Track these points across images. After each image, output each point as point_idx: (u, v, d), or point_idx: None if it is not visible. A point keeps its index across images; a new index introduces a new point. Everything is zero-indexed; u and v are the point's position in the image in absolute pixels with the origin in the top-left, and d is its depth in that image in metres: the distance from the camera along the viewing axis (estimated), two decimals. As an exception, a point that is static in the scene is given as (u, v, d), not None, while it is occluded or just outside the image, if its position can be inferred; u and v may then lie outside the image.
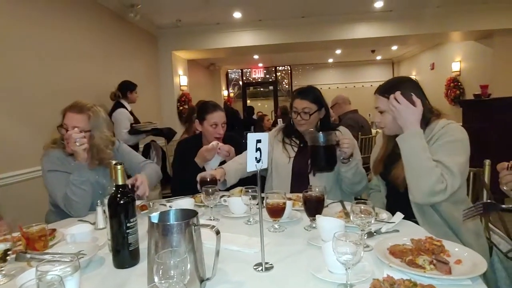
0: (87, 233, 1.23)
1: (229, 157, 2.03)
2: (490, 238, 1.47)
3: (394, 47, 8.59)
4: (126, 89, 3.99)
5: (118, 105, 3.91)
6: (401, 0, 5.19)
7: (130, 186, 1.61)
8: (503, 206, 0.86)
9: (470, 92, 6.11)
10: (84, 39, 3.91)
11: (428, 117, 1.47)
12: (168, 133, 4.37)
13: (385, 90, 1.53)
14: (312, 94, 1.92)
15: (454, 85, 6.87)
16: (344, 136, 1.75)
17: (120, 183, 1.04)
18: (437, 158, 1.35)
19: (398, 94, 1.41)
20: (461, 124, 4.60)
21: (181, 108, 6.27)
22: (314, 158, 1.70)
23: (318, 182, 1.84)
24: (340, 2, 5.13)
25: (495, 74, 5.84)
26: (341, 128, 1.99)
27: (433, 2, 5.26)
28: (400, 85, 1.49)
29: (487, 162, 1.55)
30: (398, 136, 1.43)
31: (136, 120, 4.03)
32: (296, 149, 2.00)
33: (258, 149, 0.96)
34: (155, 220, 0.89)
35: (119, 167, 1.04)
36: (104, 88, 4.24)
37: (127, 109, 3.94)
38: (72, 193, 1.60)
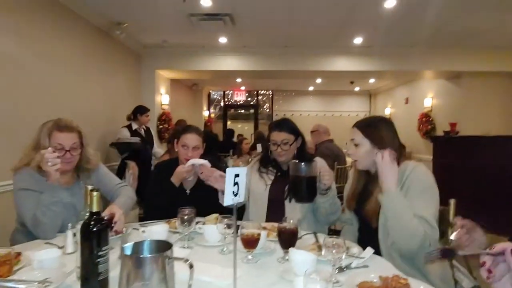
0: (54, 259, 1.20)
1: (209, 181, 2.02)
2: (454, 275, 1.53)
3: (372, 80, 8.98)
4: (137, 112, 4.73)
5: (127, 125, 4.68)
6: (379, 38, 5.49)
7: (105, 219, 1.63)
8: (459, 253, 0.92)
9: (441, 128, 6.45)
10: (67, 54, 3.89)
11: (398, 157, 1.54)
12: (128, 148, 4.44)
13: (363, 126, 1.62)
14: (288, 125, 1.99)
15: (426, 120, 7.21)
16: (325, 168, 1.80)
17: (94, 210, 1.03)
18: (416, 212, 1.41)
19: (387, 152, 1.47)
20: (432, 158, 4.84)
21: (161, 126, 6.24)
22: (295, 188, 1.68)
23: (293, 209, 1.88)
24: (322, 35, 5.37)
25: (463, 112, 6.21)
26: (318, 159, 2.04)
27: (408, 42, 5.61)
28: (378, 124, 1.60)
29: (452, 201, 1.63)
30: (382, 195, 1.46)
31: (140, 138, 4.61)
32: (272, 177, 2.03)
33: (235, 183, 0.99)
34: (128, 251, 0.88)
35: (94, 193, 1.03)
36: (85, 103, 4.20)
37: (131, 128, 4.62)
38: (42, 214, 1.55)
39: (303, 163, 1.60)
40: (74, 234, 1.37)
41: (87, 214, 1.05)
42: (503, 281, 0.76)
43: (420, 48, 5.80)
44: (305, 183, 1.60)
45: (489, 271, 0.76)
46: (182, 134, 2.12)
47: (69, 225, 1.39)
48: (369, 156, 1.57)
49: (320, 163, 1.98)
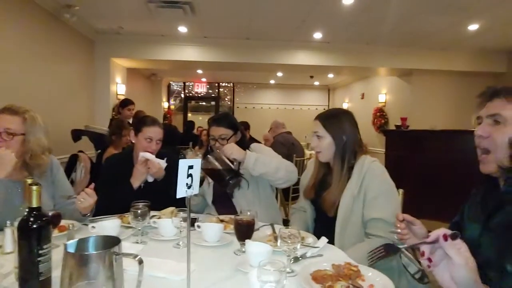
0: (-11, 259, 1.09)
1: (158, 176, 1.99)
2: (401, 260, 1.62)
3: (330, 75, 9.23)
4: (120, 105, 4.77)
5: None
6: (338, 34, 5.65)
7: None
8: (401, 246, 0.98)
9: (394, 122, 6.80)
10: (10, 38, 3.56)
11: (357, 150, 1.61)
12: (77, 136, 4.26)
13: (324, 118, 1.66)
14: (226, 120, 2.01)
15: (380, 115, 7.58)
16: (224, 148, 1.83)
17: (34, 205, 0.95)
18: (379, 216, 1.47)
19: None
20: (384, 151, 5.10)
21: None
22: (215, 179, 1.79)
23: (239, 200, 1.93)
24: (283, 29, 5.41)
25: (413, 107, 6.61)
26: (252, 145, 2.07)
27: (364, 39, 5.82)
28: (339, 116, 1.65)
29: (401, 191, 1.73)
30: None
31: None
32: None
33: (189, 175, 0.96)
34: (71, 248, 0.82)
35: (34, 187, 0.95)
36: (33, 91, 3.89)
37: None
38: None
39: (208, 155, 1.73)
40: (13, 232, 1.26)
41: (27, 210, 0.97)
42: (441, 266, 0.80)
43: (376, 46, 6.06)
44: (221, 170, 1.69)
45: (429, 260, 0.80)
46: (146, 126, 2.02)
47: (8, 222, 1.28)
48: (331, 148, 1.61)
49: (253, 147, 2.02)
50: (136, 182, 1.95)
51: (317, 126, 1.66)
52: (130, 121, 4.72)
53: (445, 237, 0.77)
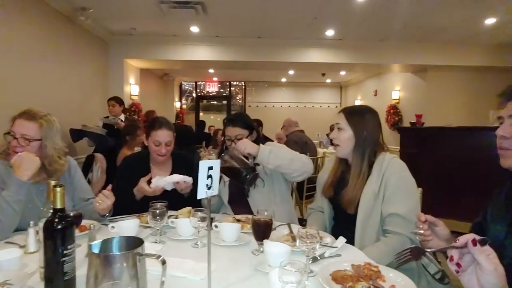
0: (15, 259, 1.12)
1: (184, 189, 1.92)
2: (421, 260, 1.59)
3: (343, 72, 9.15)
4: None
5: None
6: (350, 31, 5.58)
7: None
8: (428, 250, 0.96)
9: (407, 119, 6.70)
10: (27, 39, 3.65)
11: (377, 149, 1.60)
12: (78, 136, 4.26)
13: (348, 112, 1.66)
14: (242, 120, 2.00)
15: (394, 112, 7.47)
16: (237, 144, 1.82)
17: (58, 206, 0.97)
18: (396, 211, 1.46)
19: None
20: (399, 148, 5.03)
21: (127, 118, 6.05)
22: (234, 177, 1.76)
23: (254, 201, 1.92)
24: (295, 27, 5.38)
25: (428, 104, 6.49)
26: (267, 143, 2.04)
27: (378, 36, 5.74)
28: (364, 113, 1.64)
29: (419, 190, 1.70)
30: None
31: (106, 128, 4.42)
32: None
33: (209, 176, 0.96)
34: (96, 249, 0.84)
35: (58, 189, 0.96)
36: (48, 93, 3.98)
37: (106, 118, 4.55)
38: (1, 210, 1.44)
39: (223, 154, 1.73)
40: (37, 232, 1.29)
41: (50, 211, 0.99)
42: (469, 271, 0.79)
43: (389, 42, 5.97)
44: (237, 167, 1.68)
45: (458, 265, 0.78)
46: (153, 130, 1.98)
47: (31, 222, 1.31)
48: (350, 142, 1.60)
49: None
50: (139, 195, 1.89)
51: (339, 118, 1.65)
52: (122, 117, 4.66)
53: (474, 242, 0.75)
